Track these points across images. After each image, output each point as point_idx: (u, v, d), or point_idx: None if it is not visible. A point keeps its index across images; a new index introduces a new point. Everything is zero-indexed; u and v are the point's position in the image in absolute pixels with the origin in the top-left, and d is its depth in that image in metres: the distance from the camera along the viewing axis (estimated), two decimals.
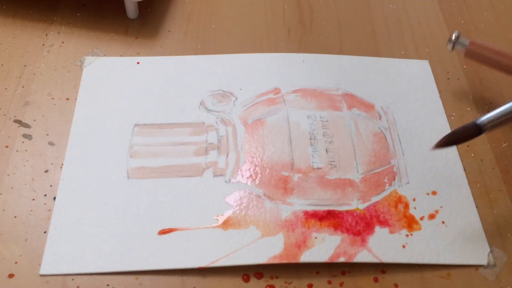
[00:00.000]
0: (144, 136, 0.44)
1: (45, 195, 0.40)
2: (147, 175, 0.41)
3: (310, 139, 0.44)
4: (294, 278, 0.38)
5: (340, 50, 0.52)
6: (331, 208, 0.40)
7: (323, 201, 0.40)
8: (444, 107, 0.47)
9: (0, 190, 0.40)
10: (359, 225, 0.39)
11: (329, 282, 0.38)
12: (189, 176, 0.42)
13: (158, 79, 0.48)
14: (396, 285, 0.38)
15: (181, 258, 0.37)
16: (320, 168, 0.42)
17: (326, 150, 0.43)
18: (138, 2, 0.52)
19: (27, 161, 0.42)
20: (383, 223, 0.40)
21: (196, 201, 0.40)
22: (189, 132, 0.44)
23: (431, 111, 0.47)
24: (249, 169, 0.42)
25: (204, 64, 0.49)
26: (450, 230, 0.40)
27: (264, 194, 0.41)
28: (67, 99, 0.46)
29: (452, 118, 0.47)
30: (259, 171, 0.42)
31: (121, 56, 0.49)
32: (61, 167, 0.42)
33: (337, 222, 0.39)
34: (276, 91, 0.47)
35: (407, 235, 0.39)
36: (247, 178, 0.41)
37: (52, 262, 0.37)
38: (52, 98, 0.46)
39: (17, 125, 0.44)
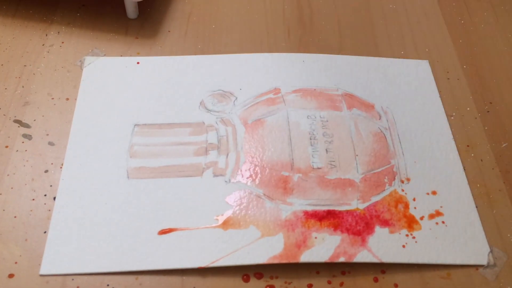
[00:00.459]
0: (144, 136, 0.44)
1: (45, 195, 0.40)
2: (147, 175, 0.41)
3: (310, 139, 0.44)
4: (294, 278, 0.38)
5: (340, 50, 0.52)
6: (331, 208, 0.40)
7: (323, 201, 0.40)
8: (444, 107, 0.47)
9: (0, 190, 0.40)
10: (359, 225, 0.39)
11: (329, 282, 0.38)
12: (189, 176, 0.42)
13: (158, 79, 0.48)
14: (396, 285, 0.38)
15: (181, 258, 0.37)
16: (320, 168, 0.42)
17: (326, 150, 0.43)
18: (138, 2, 0.52)
19: (27, 161, 0.42)
20: (383, 223, 0.40)
21: (196, 201, 0.40)
22: (189, 132, 0.44)
23: (431, 111, 0.47)
24: (249, 169, 0.42)
25: (204, 64, 0.49)
26: (450, 230, 0.40)
27: (264, 194, 0.41)
28: (67, 99, 0.46)
29: (452, 118, 0.47)
30: (259, 171, 0.42)
31: (121, 56, 0.49)
32: (61, 167, 0.42)
33: (337, 222, 0.39)
34: (276, 91, 0.47)
35: (407, 235, 0.39)
36: (247, 178, 0.41)
37: (52, 262, 0.37)
38: (52, 98, 0.46)
39: (17, 125, 0.44)
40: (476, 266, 0.39)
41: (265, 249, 0.38)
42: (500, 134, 0.46)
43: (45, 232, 0.38)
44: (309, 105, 0.46)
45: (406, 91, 0.48)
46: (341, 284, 0.38)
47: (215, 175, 0.42)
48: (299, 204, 0.40)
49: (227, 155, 0.43)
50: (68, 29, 0.51)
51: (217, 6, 0.55)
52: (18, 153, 0.42)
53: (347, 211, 0.40)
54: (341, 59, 0.50)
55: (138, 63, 0.49)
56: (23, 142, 0.43)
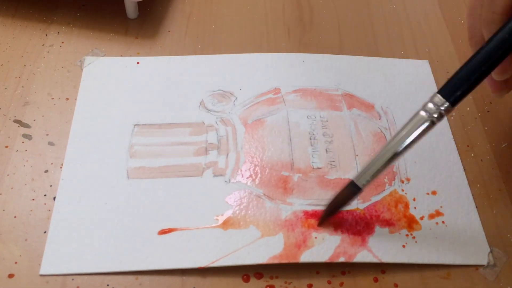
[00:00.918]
0: (144, 136, 0.44)
1: (45, 195, 0.40)
2: (147, 175, 0.41)
3: (310, 139, 0.44)
4: (294, 278, 0.38)
5: (340, 50, 0.52)
6: None
7: (323, 201, 0.40)
8: None
9: (0, 190, 0.40)
10: (359, 225, 0.39)
11: (329, 282, 0.38)
12: (189, 176, 0.42)
13: (158, 79, 0.48)
14: (396, 285, 0.38)
15: (181, 258, 0.37)
16: (320, 168, 0.42)
17: (326, 150, 0.43)
18: (138, 2, 0.51)
19: (27, 161, 0.42)
20: (383, 223, 0.40)
21: (196, 201, 0.40)
22: (189, 132, 0.44)
23: None
24: (249, 169, 0.42)
25: (204, 64, 0.49)
26: (450, 230, 0.40)
27: (264, 194, 0.41)
28: (67, 99, 0.46)
29: (452, 118, 0.47)
30: (259, 171, 0.42)
31: (121, 56, 0.49)
32: (61, 167, 0.42)
33: (337, 222, 0.39)
34: (276, 91, 0.47)
35: (407, 235, 0.39)
36: (247, 178, 0.41)
37: (52, 262, 0.37)
38: (52, 98, 0.46)
39: (17, 125, 0.44)
40: (476, 266, 0.39)
41: (265, 249, 0.38)
42: (500, 134, 0.46)
43: (45, 232, 0.38)
44: (309, 105, 0.46)
45: (406, 91, 0.48)
46: (341, 284, 0.38)
47: (215, 175, 0.42)
48: (299, 204, 0.40)
49: (227, 155, 0.43)
50: (68, 29, 0.51)
51: (217, 6, 0.55)
52: (18, 153, 0.42)
53: (347, 211, 0.40)
54: (341, 59, 0.50)
55: (138, 63, 0.49)
56: (23, 142, 0.43)
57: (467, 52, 0.52)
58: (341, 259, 0.38)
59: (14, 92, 0.46)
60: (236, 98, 0.47)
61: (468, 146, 0.45)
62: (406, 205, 0.41)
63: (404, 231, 0.39)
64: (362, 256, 0.38)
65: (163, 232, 0.39)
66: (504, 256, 0.39)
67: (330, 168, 0.42)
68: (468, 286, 0.38)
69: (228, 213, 0.40)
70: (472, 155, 0.45)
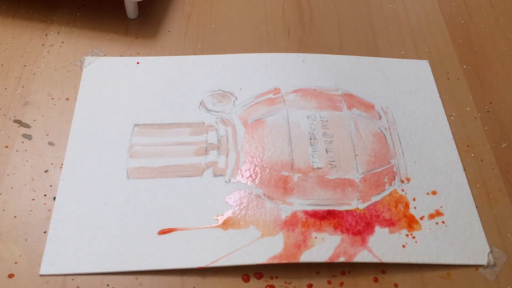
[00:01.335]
0: (144, 136, 0.44)
1: (45, 195, 0.40)
2: (147, 175, 0.41)
3: (310, 139, 0.44)
4: (294, 278, 0.38)
5: (340, 50, 0.52)
6: (331, 208, 0.40)
7: (323, 201, 0.40)
8: (444, 107, 0.47)
9: (0, 190, 0.40)
10: (359, 225, 0.39)
11: (329, 282, 0.38)
12: (189, 176, 0.42)
13: (158, 79, 0.48)
14: (396, 285, 0.38)
15: (181, 258, 0.37)
16: (320, 168, 0.42)
17: (326, 150, 0.43)
18: (138, 2, 0.51)
19: (27, 161, 0.42)
20: (383, 223, 0.40)
21: (196, 201, 0.40)
22: (189, 132, 0.44)
23: (431, 111, 0.47)
24: (249, 169, 0.42)
25: (204, 64, 0.49)
26: (450, 230, 0.40)
27: (264, 194, 0.41)
28: (67, 99, 0.46)
29: (452, 118, 0.47)
30: (259, 171, 0.42)
31: (121, 56, 0.49)
32: (61, 167, 0.42)
33: (337, 222, 0.39)
34: (276, 91, 0.47)
35: (407, 235, 0.39)
36: (247, 178, 0.41)
37: (52, 262, 0.37)
38: (52, 98, 0.46)
39: (17, 125, 0.44)
40: (476, 266, 0.39)
41: (265, 249, 0.38)
42: (500, 134, 0.46)
43: (45, 232, 0.38)
44: (309, 105, 0.46)
45: (406, 91, 0.48)
46: (341, 284, 0.38)
47: (215, 175, 0.42)
48: (299, 204, 0.40)
49: (227, 155, 0.43)
50: (68, 29, 0.51)
51: (217, 6, 0.55)
52: (18, 153, 0.42)
53: (347, 211, 0.40)
54: (341, 59, 0.50)
55: (138, 63, 0.49)
56: (23, 142, 0.43)
57: (467, 52, 0.52)
58: (341, 259, 0.38)
59: (14, 92, 0.46)
60: (236, 98, 0.47)
61: (468, 146, 0.45)
62: (406, 205, 0.41)
63: (404, 231, 0.39)
64: (362, 256, 0.38)
65: (163, 232, 0.39)
66: (504, 256, 0.39)
67: (330, 168, 0.42)
68: (468, 286, 0.38)
69: (228, 213, 0.40)
70: (472, 155, 0.45)
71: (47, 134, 0.44)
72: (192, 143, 0.43)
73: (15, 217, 0.39)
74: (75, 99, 0.46)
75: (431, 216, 0.40)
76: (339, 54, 0.51)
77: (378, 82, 0.49)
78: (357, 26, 0.54)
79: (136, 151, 0.43)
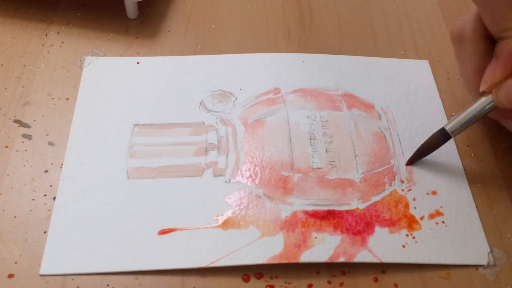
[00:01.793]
0: (144, 136, 0.44)
1: (45, 195, 0.40)
2: (147, 175, 0.41)
3: (310, 139, 0.44)
4: (294, 278, 0.38)
5: (340, 50, 0.52)
6: (331, 208, 0.40)
7: (323, 201, 0.40)
8: (444, 107, 0.47)
9: (0, 190, 0.40)
10: (359, 225, 0.39)
11: (329, 282, 0.38)
12: (189, 176, 0.42)
13: (158, 79, 0.48)
14: (396, 285, 0.38)
15: (181, 258, 0.37)
16: (320, 168, 0.42)
17: (326, 150, 0.43)
18: (138, 2, 0.52)
19: (27, 161, 0.42)
20: (383, 223, 0.40)
21: (196, 201, 0.40)
22: (189, 132, 0.44)
23: (431, 111, 0.47)
24: (249, 169, 0.42)
25: (204, 64, 0.49)
26: (450, 230, 0.40)
27: (264, 194, 0.41)
28: (67, 99, 0.46)
29: (452, 118, 0.47)
30: (259, 171, 0.42)
31: (121, 56, 0.49)
32: (61, 167, 0.42)
33: (337, 222, 0.39)
34: (276, 91, 0.47)
35: (407, 235, 0.39)
36: (247, 178, 0.41)
37: (52, 262, 0.37)
38: (52, 98, 0.46)
39: (17, 125, 0.44)
40: (476, 266, 0.39)
41: (265, 249, 0.38)
42: (500, 134, 0.46)
43: (45, 232, 0.38)
44: (309, 105, 0.46)
45: (406, 91, 0.48)
46: (341, 284, 0.38)
47: (215, 175, 0.42)
48: (299, 204, 0.40)
49: (227, 155, 0.43)
50: (68, 29, 0.51)
51: (217, 6, 0.55)
52: (18, 153, 0.42)
53: (347, 211, 0.40)
54: (341, 59, 0.50)
55: (138, 63, 0.49)
56: (23, 142, 0.43)
57: None
58: (341, 259, 0.38)
59: (14, 92, 0.46)
60: (236, 98, 0.47)
61: (468, 146, 0.45)
62: (406, 205, 0.41)
63: (404, 231, 0.39)
64: (362, 256, 0.38)
65: (163, 232, 0.39)
66: (504, 256, 0.39)
67: (330, 168, 0.42)
68: (468, 286, 0.38)
69: (228, 213, 0.40)
70: (472, 155, 0.45)
71: (47, 134, 0.44)
72: (192, 143, 0.43)
73: (15, 217, 0.39)
74: (75, 99, 0.46)
75: (431, 216, 0.40)
76: (339, 54, 0.51)
77: (378, 82, 0.49)
78: (357, 26, 0.54)
79: (136, 151, 0.43)
